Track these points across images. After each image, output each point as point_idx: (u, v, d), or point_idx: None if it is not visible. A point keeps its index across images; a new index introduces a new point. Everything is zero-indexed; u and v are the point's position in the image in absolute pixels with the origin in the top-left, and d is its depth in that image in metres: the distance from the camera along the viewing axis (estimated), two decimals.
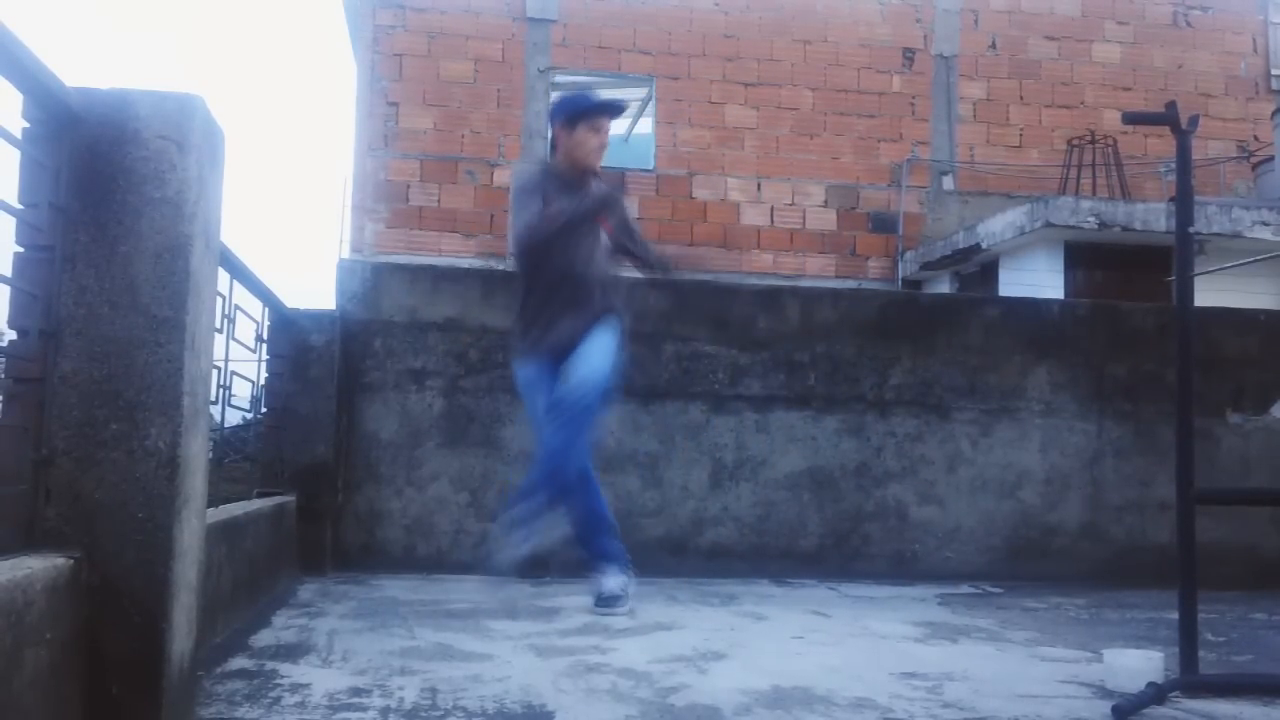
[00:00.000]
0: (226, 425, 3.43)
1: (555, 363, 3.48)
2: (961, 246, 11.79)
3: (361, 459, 4.23)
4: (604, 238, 3.62)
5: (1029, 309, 4.93)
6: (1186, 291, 2.46)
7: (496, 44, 12.83)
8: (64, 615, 1.51)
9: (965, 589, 4.24)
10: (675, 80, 13.02)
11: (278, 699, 2.10)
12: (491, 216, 12.64)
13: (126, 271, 1.65)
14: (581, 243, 3.53)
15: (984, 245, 11.37)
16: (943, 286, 12.57)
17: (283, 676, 2.29)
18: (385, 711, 2.03)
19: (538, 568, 4.17)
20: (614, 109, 3.75)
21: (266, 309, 3.67)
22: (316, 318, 4.12)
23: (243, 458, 4.61)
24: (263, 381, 3.83)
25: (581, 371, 3.39)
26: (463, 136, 12.66)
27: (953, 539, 4.55)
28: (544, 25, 12.91)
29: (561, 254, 3.50)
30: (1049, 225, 10.34)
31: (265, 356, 3.79)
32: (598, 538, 3.52)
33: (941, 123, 13.46)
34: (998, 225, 11.15)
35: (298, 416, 4.02)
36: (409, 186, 12.52)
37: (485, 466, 4.30)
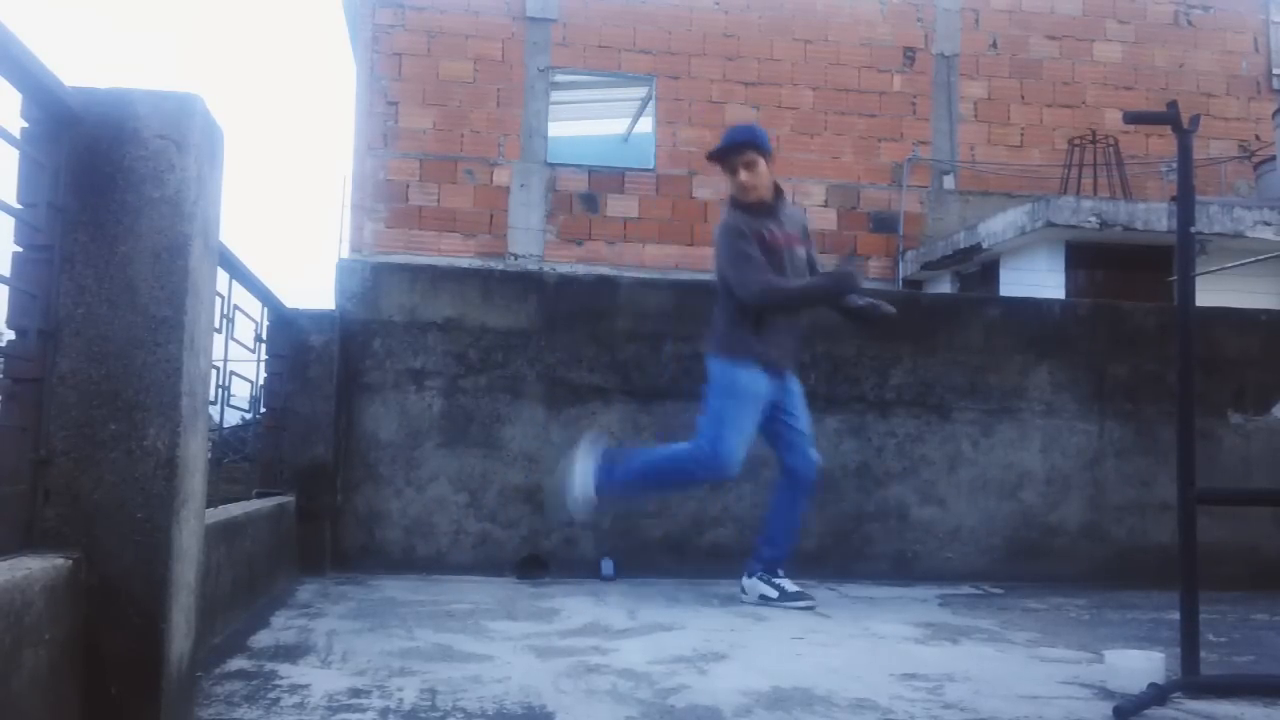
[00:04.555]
0: (226, 425, 3.42)
1: (773, 375, 3.72)
2: (962, 246, 11.78)
3: (360, 459, 4.23)
4: (799, 263, 3.81)
5: (1030, 309, 4.92)
6: (1188, 291, 2.45)
7: (496, 43, 12.82)
8: (63, 616, 1.51)
9: (966, 589, 4.24)
10: (675, 79, 13.02)
11: (276, 700, 2.09)
12: (491, 216, 12.64)
13: (125, 271, 1.65)
14: (788, 269, 3.78)
15: (985, 245, 11.37)
16: (943, 286, 12.56)
17: (282, 677, 2.29)
18: (385, 712, 2.02)
19: (537, 568, 4.17)
20: (736, 145, 3.81)
21: (265, 309, 3.67)
22: (316, 317, 4.11)
23: (242, 458, 4.61)
24: (262, 381, 3.82)
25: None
26: (462, 136, 12.65)
27: (954, 539, 4.54)
28: (544, 24, 12.90)
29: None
30: (1050, 225, 10.34)
31: (264, 356, 3.78)
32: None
33: (942, 122, 13.46)
34: (999, 225, 11.15)
35: (297, 416, 4.01)
36: (408, 186, 12.52)
37: (485, 467, 4.29)
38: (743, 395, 3.64)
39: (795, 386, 3.81)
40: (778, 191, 3.81)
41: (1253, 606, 3.92)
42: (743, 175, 3.73)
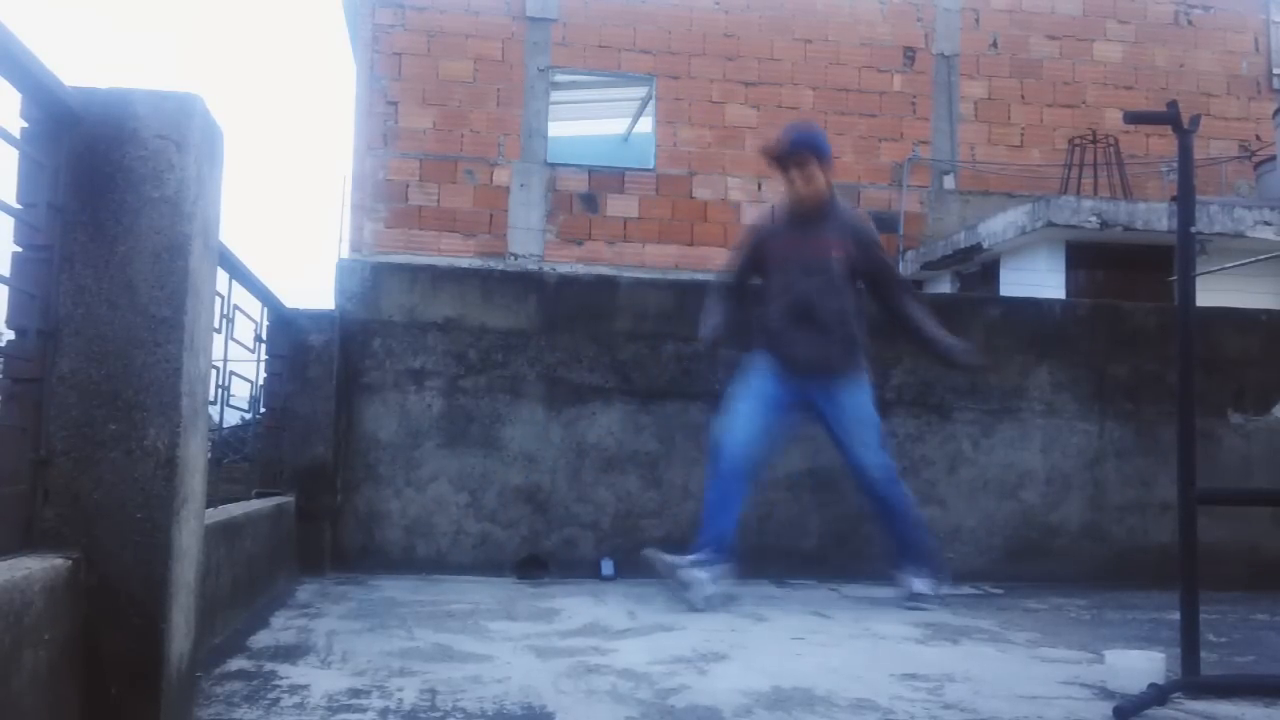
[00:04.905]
0: (226, 425, 3.42)
1: (793, 376, 3.73)
2: (963, 246, 11.78)
3: (360, 459, 4.23)
4: (837, 269, 3.74)
5: (1030, 309, 4.92)
6: (1188, 291, 2.45)
7: (496, 43, 12.82)
8: (62, 616, 1.50)
9: (966, 589, 4.23)
10: (675, 79, 13.02)
11: (276, 700, 2.09)
12: (491, 216, 12.64)
13: (125, 271, 1.65)
14: (802, 274, 3.73)
15: (985, 245, 11.36)
16: (944, 286, 12.57)
17: (281, 677, 2.29)
18: (384, 712, 2.02)
19: (537, 568, 4.17)
20: (795, 150, 3.76)
21: (265, 309, 3.67)
22: (315, 317, 4.11)
23: (241, 458, 4.61)
24: (261, 381, 3.82)
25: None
26: (462, 136, 12.65)
27: (954, 539, 4.54)
28: (544, 24, 12.90)
29: (782, 279, 3.77)
30: (1050, 225, 10.33)
31: (264, 356, 3.78)
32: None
33: (942, 122, 13.46)
34: (999, 225, 11.15)
35: (296, 416, 4.01)
36: (408, 186, 12.52)
37: (485, 467, 4.29)
38: (744, 381, 3.78)
39: (843, 393, 3.73)
40: (828, 198, 3.77)
41: (1253, 606, 3.91)
42: (795, 180, 3.72)
